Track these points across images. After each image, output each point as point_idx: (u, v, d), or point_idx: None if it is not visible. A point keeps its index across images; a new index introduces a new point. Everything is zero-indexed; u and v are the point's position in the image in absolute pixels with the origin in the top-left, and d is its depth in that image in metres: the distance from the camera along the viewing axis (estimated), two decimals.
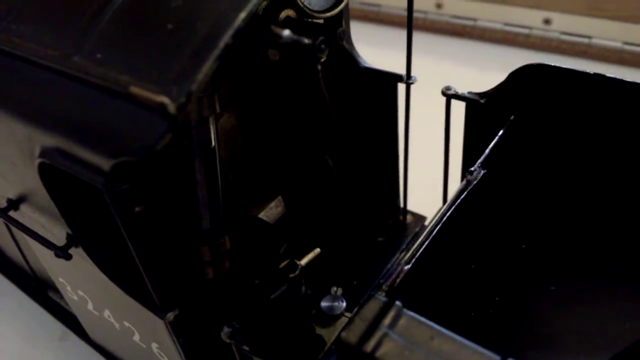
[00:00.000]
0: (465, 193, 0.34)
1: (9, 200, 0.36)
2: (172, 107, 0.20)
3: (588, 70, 0.37)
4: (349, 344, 0.24)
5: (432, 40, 1.12)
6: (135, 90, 0.20)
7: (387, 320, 0.24)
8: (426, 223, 0.54)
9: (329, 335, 0.43)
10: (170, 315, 0.29)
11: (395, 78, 0.42)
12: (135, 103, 0.21)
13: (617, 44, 0.95)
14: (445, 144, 0.46)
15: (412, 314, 0.24)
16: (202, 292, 0.33)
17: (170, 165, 0.31)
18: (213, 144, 0.32)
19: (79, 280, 0.38)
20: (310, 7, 0.38)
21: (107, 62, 0.23)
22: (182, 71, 0.20)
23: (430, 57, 1.08)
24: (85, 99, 0.23)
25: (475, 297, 0.38)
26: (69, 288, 0.41)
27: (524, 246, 0.41)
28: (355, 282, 0.49)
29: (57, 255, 0.32)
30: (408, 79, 0.44)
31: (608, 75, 0.36)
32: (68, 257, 0.32)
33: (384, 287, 0.29)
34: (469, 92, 0.42)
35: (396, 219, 0.55)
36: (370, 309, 0.25)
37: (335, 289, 0.46)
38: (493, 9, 1.02)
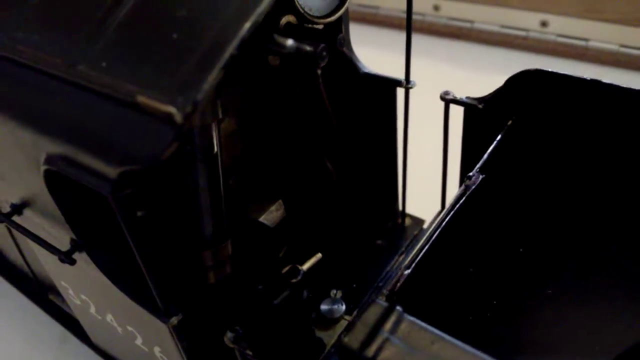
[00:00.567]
0: (464, 198, 0.35)
1: (13, 205, 0.36)
2: (178, 117, 0.20)
3: (585, 76, 0.38)
4: (351, 348, 0.24)
5: (429, 42, 1.13)
6: (142, 99, 0.21)
7: (388, 325, 0.25)
8: (425, 226, 0.55)
9: (329, 338, 0.44)
10: (174, 320, 0.30)
11: (394, 83, 0.43)
12: (142, 112, 0.21)
13: (614, 47, 0.96)
14: (443, 148, 0.46)
15: (412, 318, 0.25)
16: (204, 296, 0.33)
17: (172, 171, 0.31)
18: (216, 149, 0.32)
19: (82, 284, 0.38)
20: (311, 13, 0.38)
21: (113, 70, 0.23)
22: (188, 80, 0.21)
23: (428, 59, 1.08)
24: (91, 107, 0.23)
25: (473, 300, 0.39)
26: (71, 292, 0.41)
27: (521, 250, 0.41)
28: (354, 285, 0.49)
29: (62, 261, 0.32)
30: (407, 84, 0.44)
31: (604, 81, 0.37)
32: (72, 262, 0.32)
33: (384, 291, 0.29)
34: (467, 97, 0.42)
35: (395, 222, 0.55)
36: (372, 313, 0.25)
37: (334, 292, 0.47)
38: (490, 11, 1.03)
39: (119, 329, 0.39)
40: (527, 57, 1.06)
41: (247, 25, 0.21)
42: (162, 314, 0.30)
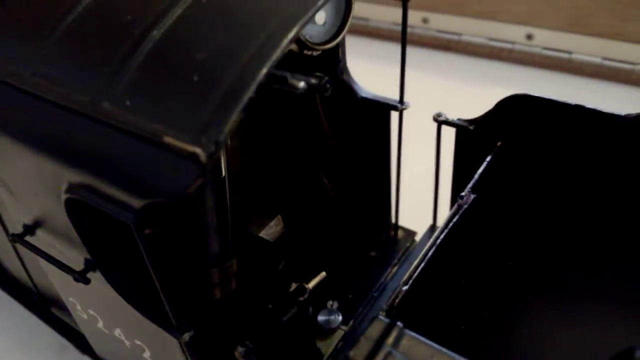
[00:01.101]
0: (457, 217, 0.37)
1: (26, 226, 0.37)
2: (203, 156, 0.22)
3: (569, 101, 0.40)
4: None
5: (418, 53, 1.15)
6: (169, 139, 0.22)
7: (390, 340, 0.27)
8: (417, 238, 0.57)
9: (326, 347, 0.46)
10: (186, 336, 0.31)
11: (389, 106, 0.45)
12: (168, 150, 0.23)
13: (597, 59, 0.99)
14: (435, 166, 0.49)
15: (412, 333, 0.27)
16: (214, 312, 0.35)
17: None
18: (223, 174, 0.34)
19: (91, 300, 0.40)
20: (312, 40, 0.40)
21: (137, 109, 0.25)
22: (211, 122, 0.23)
23: (417, 70, 1.11)
24: (116, 142, 0.25)
25: (465, 312, 0.41)
26: (79, 307, 0.43)
27: (509, 263, 0.44)
28: (350, 296, 0.51)
29: (76, 280, 0.34)
30: (401, 104, 0.46)
31: (587, 106, 0.39)
32: (87, 282, 0.34)
33: (384, 307, 0.31)
34: (459, 119, 0.44)
35: (388, 235, 0.57)
36: (374, 329, 0.27)
37: (331, 302, 0.49)
38: (478, 24, 1.06)
39: (127, 343, 0.41)
40: (513, 68, 1.09)
41: (264, 70, 0.23)
42: (174, 330, 0.31)
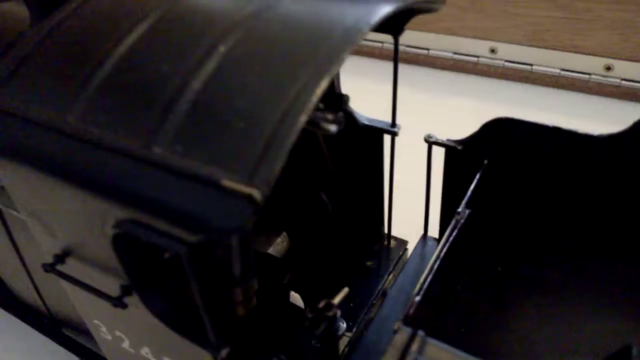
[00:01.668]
0: (456, 230, 0.41)
1: (56, 256, 0.40)
2: (259, 197, 0.25)
3: (547, 123, 0.45)
4: None
5: (389, 67, 1.20)
6: (226, 183, 0.26)
7: (415, 347, 0.31)
8: (408, 247, 0.61)
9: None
10: (224, 352, 0.34)
11: (382, 130, 0.49)
12: (222, 191, 0.26)
13: (555, 70, 1.06)
14: (426, 182, 0.53)
15: (434, 341, 0.31)
16: (242, 328, 0.38)
17: None
18: None
19: (120, 322, 0.42)
20: None
21: (189, 154, 0.28)
22: (260, 166, 0.26)
23: (388, 83, 1.16)
24: (170, 183, 0.28)
25: (462, 315, 0.45)
26: (103, 329, 0.45)
27: (499, 269, 0.48)
28: (351, 304, 0.55)
29: (115, 305, 0.36)
30: (393, 127, 0.50)
31: (563, 127, 0.44)
32: (124, 307, 0.36)
33: (402, 316, 0.35)
34: (448, 140, 0.49)
35: (382, 244, 0.61)
36: (400, 338, 0.31)
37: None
38: (444, 39, 1.11)
39: None
40: (478, 80, 1.15)
41: (303, 118, 0.27)
42: (213, 348, 0.34)
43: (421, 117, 0.94)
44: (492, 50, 1.10)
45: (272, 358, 0.34)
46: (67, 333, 0.59)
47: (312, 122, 0.30)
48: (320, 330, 0.34)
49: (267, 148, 0.27)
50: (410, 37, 1.16)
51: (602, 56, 1.01)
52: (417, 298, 0.36)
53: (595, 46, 1.00)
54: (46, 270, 0.40)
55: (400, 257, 0.60)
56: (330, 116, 0.31)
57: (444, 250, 0.39)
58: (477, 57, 1.12)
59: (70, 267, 0.39)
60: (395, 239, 0.62)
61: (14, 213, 0.46)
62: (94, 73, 0.32)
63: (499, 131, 0.46)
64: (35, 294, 0.55)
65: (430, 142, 0.49)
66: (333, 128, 0.30)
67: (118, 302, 0.36)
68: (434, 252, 0.55)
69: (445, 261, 0.41)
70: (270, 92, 0.28)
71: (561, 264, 0.47)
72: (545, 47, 1.05)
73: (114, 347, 0.46)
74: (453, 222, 0.41)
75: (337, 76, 0.49)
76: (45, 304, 0.57)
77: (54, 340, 0.59)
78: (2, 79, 0.34)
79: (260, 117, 0.28)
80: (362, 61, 1.24)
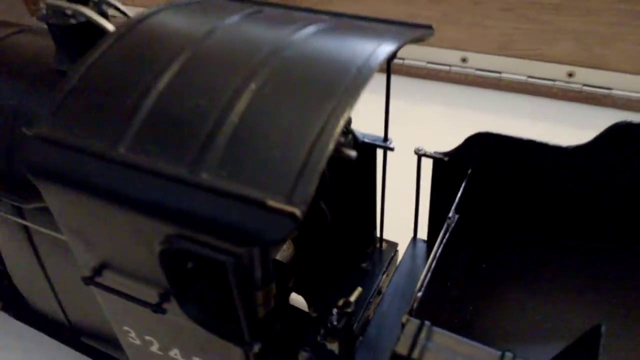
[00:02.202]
0: (448, 234, 0.47)
1: (94, 270, 0.44)
2: (299, 214, 0.30)
3: (522, 136, 0.51)
4: (402, 354, 0.35)
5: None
6: (271, 203, 0.31)
7: (423, 335, 0.36)
8: (399, 248, 0.67)
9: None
10: (256, 348, 0.39)
11: (378, 146, 0.55)
12: (268, 210, 0.31)
13: (522, 78, 1.13)
14: (416, 191, 0.59)
15: (439, 329, 0.36)
16: (268, 327, 0.43)
17: None
18: None
19: (150, 327, 0.47)
20: None
21: (234, 178, 0.33)
22: (297, 189, 0.31)
23: (370, 93, 1.22)
24: (218, 203, 0.33)
25: (454, 308, 0.51)
26: (132, 334, 0.49)
27: (484, 266, 0.54)
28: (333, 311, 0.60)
29: (155, 311, 0.41)
30: (385, 142, 0.56)
31: (536, 140, 0.50)
32: (164, 312, 0.41)
33: (407, 309, 0.40)
34: (435, 152, 0.55)
35: (374, 247, 0.67)
36: (409, 328, 0.37)
37: (336, 310, 0.58)
38: (419, 50, 1.18)
39: None
40: (450, 87, 1.22)
41: (332, 146, 0.32)
42: (247, 345, 0.39)
43: (397, 123, 1.00)
44: (464, 60, 1.17)
45: (300, 351, 0.39)
46: (86, 341, 0.63)
47: (336, 149, 0.36)
48: (341, 325, 0.40)
49: (302, 173, 0.32)
50: None
51: (564, 64, 1.09)
52: (419, 294, 0.42)
53: (559, 55, 1.08)
54: (86, 283, 0.44)
55: (392, 259, 0.66)
56: (342, 139, 0.36)
57: (439, 250, 0.45)
58: (450, 66, 1.18)
59: (108, 278, 0.44)
60: (387, 241, 0.68)
61: (45, 232, 0.50)
62: (138, 108, 0.37)
63: (481, 144, 0.52)
64: (57, 307, 0.59)
65: (420, 154, 0.55)
66: (353, 154, 0.35)
67: (158, 308, 0.41)
68: (423, 252, 0.62)
69: (438, 260, 0.47)
70: (299, 124, 0.34)
71: (538, 261, 0.53)
72: (513, 56, 1.12)
73: (142, 351, 0.51)
74: (445, 225, 0.47)
75: None
76: (66, 316, 0.60)
77: (73, 348, 0.63)
78: (52, 112, 0.39)
79: (293, 147, 0.33)
80: None
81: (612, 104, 1.09)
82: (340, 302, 0.40)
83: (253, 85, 0.36)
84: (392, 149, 0.53)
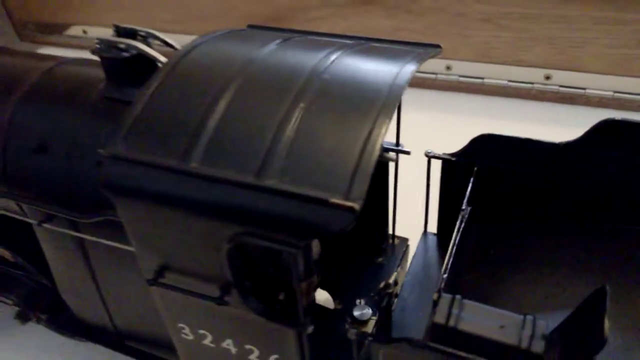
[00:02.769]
0: (463, 224, 0.54)
1: (157, 272, 0.50)
2: (357, 208, 0.37)
3: (519, 135, 0.58)
4: (440, 323, 0.42)
5: None
6: (334, 200, 0.37)
7: (455, 307, 0.43)
8: (409, 243, 0.74)
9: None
10: (310, 329, 0.46)
11: (394, 150, 0.61)
12: (331, 206, 0.37)
13: (503, 82, 1.21)
14: (426, 191, 0.66)
15: (468, 301, 0.43)
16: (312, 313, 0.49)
17: None
18: None
19: (206, 320, 0.52)
20: None
21: (297, 182, 0.39)
22: (352, 188, 0.37)
23: None
24: (284, 203, 0.39)
25: (468, 288, 0.58)
26: (186, 330, 0.55)
27: (492, 252, 0.61)
28: (372, 294, 0.67)
29: (219, 304, 0.47)
30: (397, 146, 0.63)
31: (533, 138, 0.58)
32: (227, 304, 0.47)
33: (436, 289, 0.47)
34: (444, 153, 0.62)
35: (387, 243, 0.74)
36: (444, 302, 0.43)
37: (359, 301, 0.64)
38: None
39: (233, 350, 0.54)
40: (436, 94, 1.29)
41: (377, 153, 0.39)
42: (301, 326, 0.46)
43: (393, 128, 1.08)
44: (448, 68, 1.25)
45: (344, 323, 0.46)
46: (129, 344, 0.68)
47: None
48: (383, 304, 0.46)
49: (355, 175, 0.38)
50: None
51: (541, 67, 1.17)
52: (445, 275, 0.48)
53: (536, 59, 1.17)
54: (150, 284, 0.50)
55: (404, 252, 0.73)
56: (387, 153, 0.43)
57: (457, 238, 0.52)
58: (435, 74, 1.24)
59: (170, 278, 0.49)
60: (398, 237, 0.75)
61: (104, 243, 0.56)
62: (203, 128, 0.43)
63: (484, 144, 0.59)
64: (104, 314, 0.64)
65: (430, 156, 0.62)
66: (393, 157, 0.42)
67: (221, 301, 0.47)
68: (434, 244, 0.69)
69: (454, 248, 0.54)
70: (348, 135, 0.40)
71: (539, 245, 0.60)
72: (494, 63, 1.18)
73: (195, 345, 0.56)
74: (460, 216, 0.54)
75: None
76: (112, 322, 0.66)
77: (117, 351, 0.68)
78: (124, 135, 0.44)
79: (346, 153, 0.39)
80: None
81: (586, 102, 1.18)
82: (382, 284, 0.47)
83: (302, 104, 0.43)
84: (408, 153, 0.60)
